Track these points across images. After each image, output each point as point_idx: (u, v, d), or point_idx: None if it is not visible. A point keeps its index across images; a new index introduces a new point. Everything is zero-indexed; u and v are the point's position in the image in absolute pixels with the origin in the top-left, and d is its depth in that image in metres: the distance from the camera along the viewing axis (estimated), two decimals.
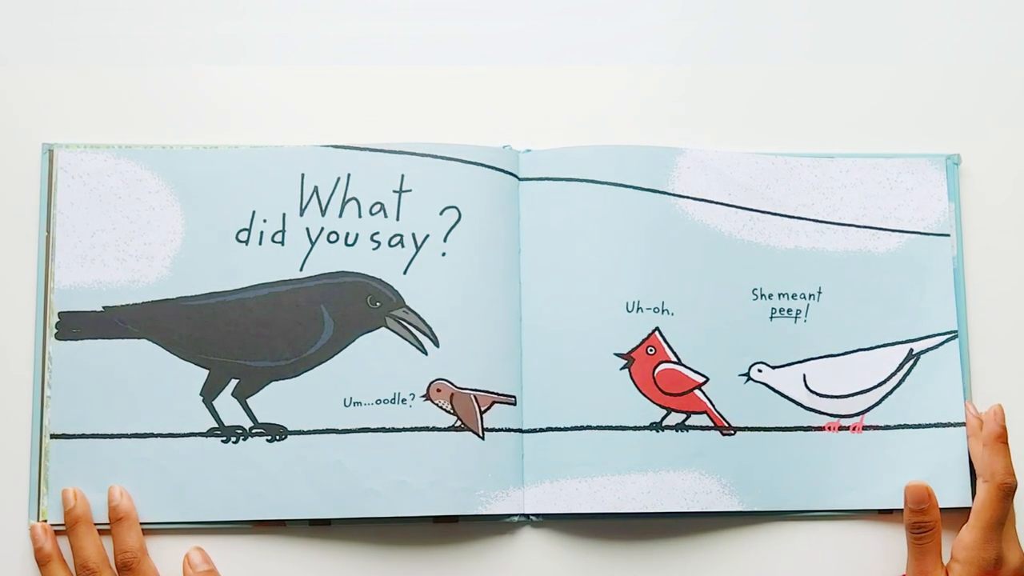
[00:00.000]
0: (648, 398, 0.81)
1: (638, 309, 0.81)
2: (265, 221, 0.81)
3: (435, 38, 0.86)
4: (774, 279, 0.83)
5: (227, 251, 0.80)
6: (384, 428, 0.79)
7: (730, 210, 0.84)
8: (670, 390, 0.81)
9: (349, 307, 0.80)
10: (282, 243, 0.81)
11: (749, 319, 0.83)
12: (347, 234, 0.81)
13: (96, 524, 0.77)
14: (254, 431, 0.79)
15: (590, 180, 0.82)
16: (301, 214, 0.81)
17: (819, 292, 0.83)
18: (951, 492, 0.80)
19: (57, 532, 0.78)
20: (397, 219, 0.81)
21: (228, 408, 0.79)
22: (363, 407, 0.79)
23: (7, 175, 0.82)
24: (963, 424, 0.81)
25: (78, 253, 0.80)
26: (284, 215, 0.81)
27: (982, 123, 0.87)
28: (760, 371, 0.82)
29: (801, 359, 0.83)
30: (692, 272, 0.82)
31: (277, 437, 0.79)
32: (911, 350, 0.83)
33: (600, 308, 0.81)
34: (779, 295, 0.83)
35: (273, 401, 0.79)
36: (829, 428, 0.82)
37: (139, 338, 0.79)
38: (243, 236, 0.81)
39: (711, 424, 0.81)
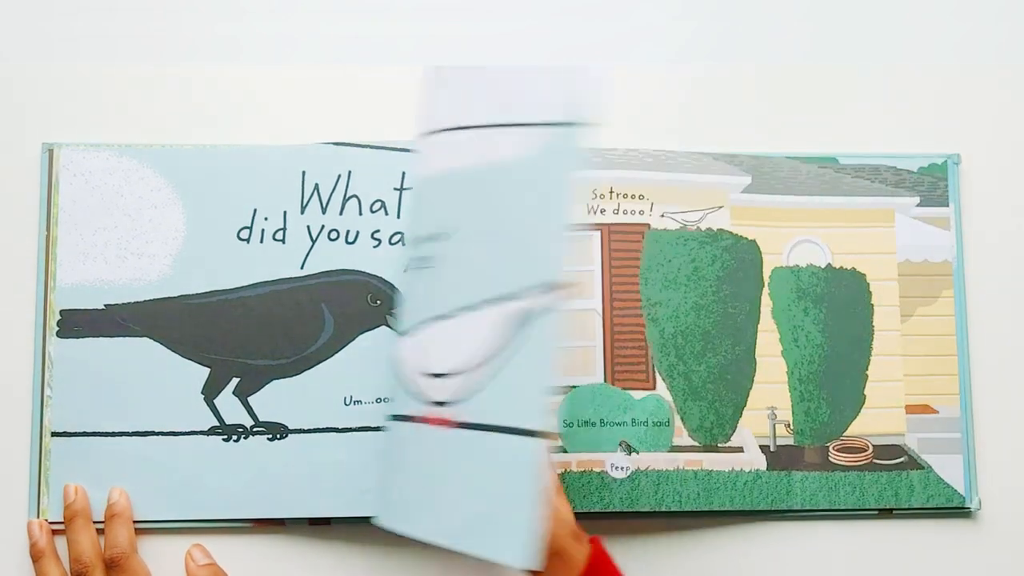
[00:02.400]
0: None
1: None
2: (266, 219, 0.81)
3: (435, 38, 0.86)
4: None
5: (228, 249, 0.80)
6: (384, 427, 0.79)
7: None
8: None
9: (350, 305, 0.80)
10: (283, 241, 0.81)
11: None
12: (348, 232, 0.81)
13: (94, 523, 0.77)
14: (255, 429, 0.79)
15: None
16: (302, 212, 0.81)
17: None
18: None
19: (56, 532, 0.78)
20: (398, 217, 0.81)
21: (229, 406, 0.79)
22: (364, 406, 0.79)
23: (7, 175, 0.82)
24: (543, 434, 0.57)
25: (80, 251, 0.80)
26: (285, 213, 0.81)
27: (982, 123, 0.87)
28: None
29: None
30: None
31: (278, 436, 0.79)
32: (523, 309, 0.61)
33: None
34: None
35: (274, 399, 0.79)
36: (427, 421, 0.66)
37: (140, 336, 0.79)
38: (244, 234, 0.81)
39: None
